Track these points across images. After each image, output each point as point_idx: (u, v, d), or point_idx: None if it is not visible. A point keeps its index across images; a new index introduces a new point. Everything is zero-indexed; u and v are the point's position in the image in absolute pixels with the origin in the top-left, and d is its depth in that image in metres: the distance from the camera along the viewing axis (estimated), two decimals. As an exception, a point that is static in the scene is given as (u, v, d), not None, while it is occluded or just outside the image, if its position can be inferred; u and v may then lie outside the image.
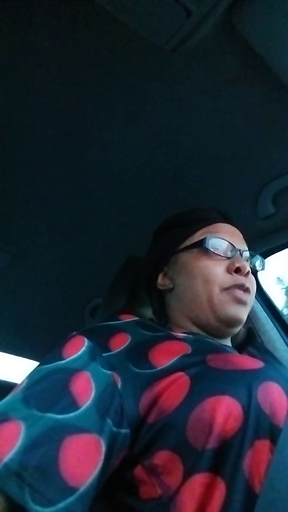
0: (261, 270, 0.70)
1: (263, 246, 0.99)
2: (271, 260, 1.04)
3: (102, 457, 0.42)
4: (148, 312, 0.76)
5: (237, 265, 0.62)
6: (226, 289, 0.61)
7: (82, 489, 0.39)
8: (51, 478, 0.38)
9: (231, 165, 0.83)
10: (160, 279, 0.69)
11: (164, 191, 0.91)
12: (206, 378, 0.48)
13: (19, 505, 0.37)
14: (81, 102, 0.71)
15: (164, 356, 0.52)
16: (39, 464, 0.38)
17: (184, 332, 0.61)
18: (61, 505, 0.37)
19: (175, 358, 0.51)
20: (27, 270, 1.19)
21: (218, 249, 0.63)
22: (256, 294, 1.03)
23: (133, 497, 0.47)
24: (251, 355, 0.65)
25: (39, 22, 0.58)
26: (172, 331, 0.61)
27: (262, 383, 0.46)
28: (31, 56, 0.63)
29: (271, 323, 1.01)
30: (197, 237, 0.66)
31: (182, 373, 0.48)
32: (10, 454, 0.38)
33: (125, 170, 0.86)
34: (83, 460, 0.41)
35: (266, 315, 1.02)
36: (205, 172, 0.86)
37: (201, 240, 0.64)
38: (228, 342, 0.66)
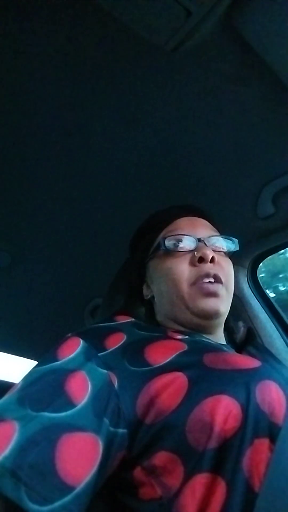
0: (235, 250, 0.68)
1: (263, 246, 0.99)
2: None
3: (99, 456, 0.42)
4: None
5: (198, 255, 0.60)
6: (193, 283, 0.60)
7: (79, 487, 0.39)
8: (47, 477, 0.38)
9: (231, 165, 0.83)
10: (144, 290, 0.70)
11: (164, 191, 0.91)
12: (204, 378, 0.48)
13: (16, 504, 0.36)
14: (81, 103, 0.71)
15: (160, 354, 0.52)
16: (34, 462, 0.38)
17: (179, 332, 0.61)
18: (58, 503, 0.37)
19: (171, 356, 0.51)
20: (27, 270, 1.19)
21: (177, 246, 0.63)
22: (255, 294, 1.04)
23: (133, 498, 0.47)
24: (251, 355, 0.64)
25: (38, 22, 0.58)
26: (167, 332, 0.61)
27: (260, 382, 0.46)
28: (31, 56, 0.63)
29: (271, 323, 1.01)
30: (158, 241, 0.66)
31: (179, 373, 0.48)
32: (4, 453, 0.38)
33: (125, 170, 0.86)
34: (79, 458, 0.41)
35: (266, 315, 1.02)
36: (205, 172, 0.86)
37: (158, 243, 0.65)
38: (223, 340, 0.66)
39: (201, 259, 0.60)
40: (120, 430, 0.45)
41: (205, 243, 0.63)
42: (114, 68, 0.65)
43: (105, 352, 0.51)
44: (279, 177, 0.84)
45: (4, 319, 1.40)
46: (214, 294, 0.59)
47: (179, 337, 0.59)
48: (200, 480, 0.42)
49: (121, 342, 0.54)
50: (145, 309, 0.70)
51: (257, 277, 1.06)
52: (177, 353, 0.52)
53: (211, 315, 0.59)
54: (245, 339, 0.71)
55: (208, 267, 0.60)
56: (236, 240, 0.68)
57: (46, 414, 0.42)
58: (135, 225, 0.98)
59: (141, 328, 0.60)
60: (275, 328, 1.00)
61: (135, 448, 0.46)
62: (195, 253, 0.61)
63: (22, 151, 0.81)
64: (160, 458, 0.44)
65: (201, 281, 0.59)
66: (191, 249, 0.62)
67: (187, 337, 0.59)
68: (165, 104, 0.71)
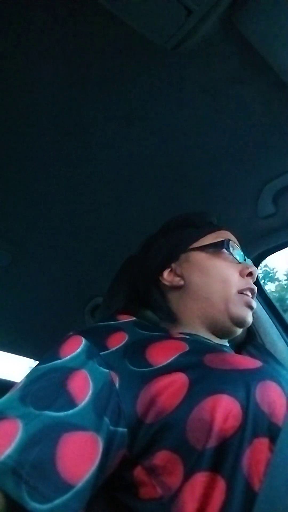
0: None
1: (263, 245, 0.99)
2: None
3: (99, 454, 0.43)
4: (148, 312, 0.75)
5: (250, 269, 0.66)
6: (240, 291, 0.64)
7: (78, 485, 0.40)
8: (48, 475, 0.39)
9: (232, 164, 0.83)
10: (166, 275, 0.68)
11: (165, 190, 0.91)
12: (205, 378, 0.48)
13: (17, 502, 0.37)
14: (81, 102, 0.71)
15: (162, 354, 0.52)
16: (36, 461, 0.39)
17: (181, 333, 0.61)
18: (57, 501, 0.38)
19: (172, 357, 0.51)
20: (27, 269, 1.19)
21: (236, 254, 0.67)
22: (256, 294, 1.04)
23: (133, 498, 0.47)
24: (251, 355, 0.65)
25: (38, 21, 0.58)
26: (169, 332, 0.61)
27: (260, 382, 0.46)
28: (31, 56, 0.63)
29: (271, 323, 1.01)
30: (210, 239, 0.68)
31: (180, 374, 0.48)
32: (7, 451, 0.39)
33: (125, 170, 0.86)
34: (79, 457, 0.41)
35: (267, 315, 1.02)
36: (206, 171, 0.86)
37: (221, 241, 0.67)
38: (225, 342, 0.66)
39: (250, 274, 0.66)
40: (120, 429, 0.45)
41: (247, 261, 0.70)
42: (114, 67, 0.65)
43: (107, 352, 0.51)
44: (279, 176, 0.84)
45: (5, 318, 1.40)
46: (252, 308, 0.65)
47: (181, 336, 0.59)
48: (200, 478, 0.42)
49: (123, 342, 0.54)
50: (158, 295, 0.69)
51: (257, 276, 1.06)
52: (179, 354, 0.52)
53: (244, 324, 0.64)
54: (245, 339, 0.71)
55: (252, 283, 0.66)
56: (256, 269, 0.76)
57: (48, 413, 0.43)
58: (135, 224, 0.98)
59: (142, 328, 0.60)
60: (275, 328, 1.00)
61: (136, 447, 0.46)
62: (247, 267, 0.67)
63: (23, 151, 0.81)
64: (161, 457, 0.44)
65: (246, 293, 0.65)
66: (240, 261, 0.68)
67: (188, 337, 0.59)
68: (165, 103, 0.71)
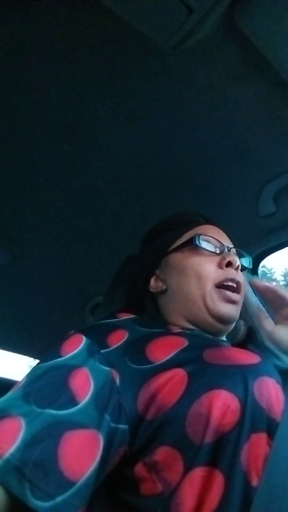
0: (249, 267, 0.72)
1: (263, 244, 0.99)
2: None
3: (100, 451, 0.43)
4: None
5: (228, 259, 0.64)
6: (218, 285, 0.62)
7: (80, 482, 0.40)
8: (50, 473, 0.39)
9: (232, 164, 0.83)
10: (152, 283, 0.69)
11: (165, 189, 0.91)
12: (203, 373, 0.48)
13: (20, 499, 0.37)
14: (81, 101, 0.71)
15: (161, 351, 0.52)
16: (39, 459, 0.39)
17: (181, 328, 0.62)
18: (59, 498, 0.38)
19: (172, 354, 0.52)
20: (28, 268, 1.19)
21: (209, 246, 0.65)
22: (256, 292, 1.04)
23: (134, 495, 0.47)
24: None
25: (39, 19, 0.58)
26: (169, 328, 0.62)
27: (258, 378, 0.47)
28: (31, 54, 0.63)
29: (272, 322, 1.00)
30: (186, 237, 0.68)
31: (179, 369, 0.49)
32: (11, 449, 0.39)
33: (126, 169, 0.86)
34: (81, 454, 0.42)
35: (267, 314, 1.01)
36: (206, 170, 0.86)
37: (191, 238, 0.66)
38: (223, 338, 0.66)
39: (229, 264, 0.64)
40: (121, 426, 0.46)
41: (230, 251, 0.67)
42: (115, 66, 0.65)
43: (107, 350, 0.52)
44: (280, 176, 0.84)
45: (5, 317, 1.40)
46: (234, 302, 0.62)
47: (180, 330, 0.60)
48: (199, 473, 0.42)
49: (123, 340, 0.54)
50: (149, 303, 0.70)
51: (257, 275, 1.06)
52: (178, 350, 0.53)
53: (227, 320, 0.62)
54: (246, 337, 0.71)
55: (234, 273, 0.63)
56: (250, 259, 0.73)
57: (51, 411, 0.43)
58: (136, 224, 0.98)
59: (142, 325, 0.60)
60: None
61: (136, 444, 0.46)
62: (225, 257, 0.64)
63: (23, 150, 0.82)
64: (161, 453, 0.45)
65: (226, 284, 0.62)
66: (218, 252, 0.65)
67: (187, 331, 0.60)
68: (166, 101, 0.71)
